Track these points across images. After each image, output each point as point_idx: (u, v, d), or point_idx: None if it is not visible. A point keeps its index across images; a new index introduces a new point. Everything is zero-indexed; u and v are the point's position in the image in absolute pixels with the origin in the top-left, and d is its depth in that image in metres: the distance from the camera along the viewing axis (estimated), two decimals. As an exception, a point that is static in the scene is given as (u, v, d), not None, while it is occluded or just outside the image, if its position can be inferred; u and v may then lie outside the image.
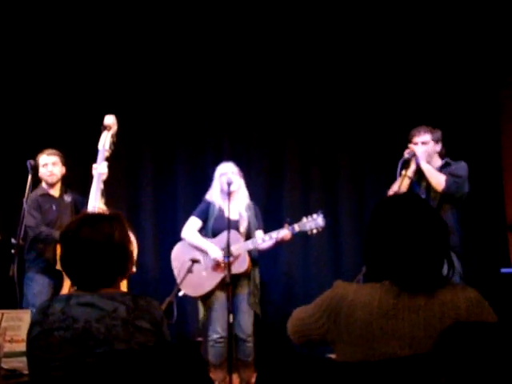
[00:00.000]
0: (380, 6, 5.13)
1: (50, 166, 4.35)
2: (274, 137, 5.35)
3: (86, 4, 5.17)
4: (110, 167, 4.46)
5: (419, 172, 3.98)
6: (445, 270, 1.69)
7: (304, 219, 4.08)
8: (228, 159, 4.45)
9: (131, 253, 1.95)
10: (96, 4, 5.19)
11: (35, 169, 4.24)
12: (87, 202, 4.31)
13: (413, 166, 3.96)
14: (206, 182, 4.67)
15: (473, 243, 4.86)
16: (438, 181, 3.83)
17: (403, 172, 3.92)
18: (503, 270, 4.08)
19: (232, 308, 3.93)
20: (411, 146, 3.96)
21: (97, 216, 1.99)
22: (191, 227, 4.26)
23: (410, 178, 3.94)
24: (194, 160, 5.35)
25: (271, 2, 5.24)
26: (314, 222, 4.05)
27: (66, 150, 4.58)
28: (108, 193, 5.26)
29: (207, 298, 4.15)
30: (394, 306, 1.59)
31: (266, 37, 5.29)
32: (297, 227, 4.07)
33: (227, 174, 4.17)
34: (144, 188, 5.34)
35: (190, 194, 5.22)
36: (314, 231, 4.08)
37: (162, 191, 5.33)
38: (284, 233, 4.05)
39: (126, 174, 5.32)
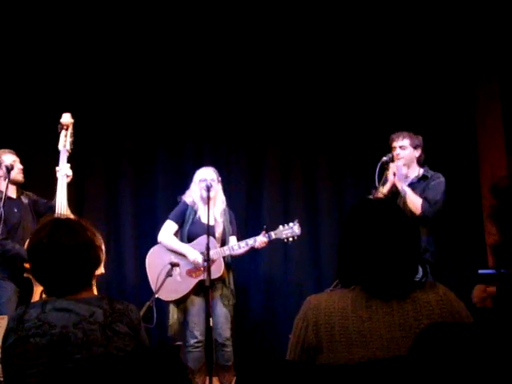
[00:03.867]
0: (357, 12, 5.15)
1: (18, 163, 4.15)
2: (255, 142, 5.34)
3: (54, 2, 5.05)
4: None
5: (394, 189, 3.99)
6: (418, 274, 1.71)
7: (280, 227, 4.16)
8: (208, 164, 4.44)
9: (102, 251, 1.94)
10: (68, 4, 5.07)
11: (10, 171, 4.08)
12: (46, 203, 4.21)
13: (388, 185, 3.94)
14: (186, 188, 4.65)
15: (451, 245, 4.92)
16: (415, 206, 3.81)
17: (380, 188, 3.91)
18: (480, 271, 4.12)
19: (203, 312, 3.98)
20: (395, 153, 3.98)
21: (67, 220, 1.98)
22: (168, 231, 4.24)
23: (384, 194, 3.94)
24: (174, 165, 5.31)
25: (257, 10, 5.24)
26: (290, 231, 4.13)
27: (25, 151, 4.47)
28: (87, 198, 5.26)
29: (182, 302, 4.13)
30: (367, 309, 1.60)
31: (248, 42, 5.28)
32: (273, 235, 4.13)
33: (206, 180, 4.16)
34: (123, 192, 5.29)
35: (170, 199, 5.18)
36: (290, 239, 4.16)
37: (141, 196, 5.30)
38: (261, 240, 4.09)
39: (104, 178, 5.28)
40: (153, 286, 4.08)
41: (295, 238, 4.17)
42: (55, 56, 5.17)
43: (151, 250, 4.29)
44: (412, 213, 3.78)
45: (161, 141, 5.33)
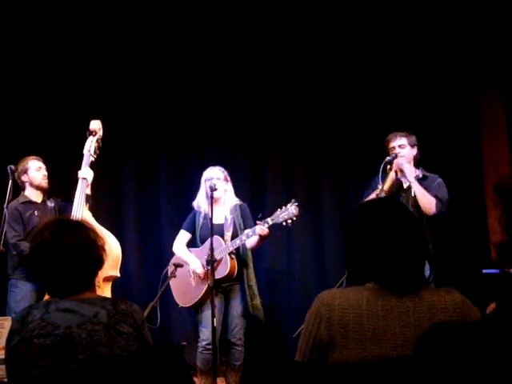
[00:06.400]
0: (362, 15, 5.15)
1: (43, 169, 4.29)
2: (258, 143, 5.35)
3: (73, 8, 5.10)
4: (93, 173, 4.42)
5: (399, 185, 3.99)
6: (426, 271, 1.72)
7: (277, 211, 3.93)
8: (211, 164, 4.43)
9: (105, 252, 1.93)
10: (83, 9, 5.13)
11: (20, 173, 4.20)
12: (71, 208, 4.28)
13: (388, 181, 3.91)
14: (189, 188, 4.65)
15: (456, 245, 4.91)
16: (430, 204, 3.79)
17: (379, 186, 3.89)
18: (485, 271, 4.12)
19: (220, 312, 3.97)
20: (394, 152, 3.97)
21: (69, 221, 1.99)
22: (179, 241, 4.27)
23: (385, 192, 3.91)
24: (177, 165, 5.32)
25: (259, 11, 5.23)
26: (286, 212, 3.88)
27: (49, 154, 4.53)
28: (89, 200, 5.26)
29: (200, 305, 4.12)
30: (383, 308, 1.60)
31: (250, 43, 5.29)
32: (270, 221, 3.92)
33: (212, 179, 4.13)
34: (126, 193, 5.30)
35: (173, 200, 5.20)
36: (289, 221, 3.90)
37: (144, 197, 5.30)
38: (259, 228, 3.91)
39: (108, 179, 5.29)
40: (176, 298, 4.21)
41: (294, 219, 3.90)
42: (60, 61, 5.20)
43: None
44: (421, 211, 3.77)
45: (163, 142, 5.34)
